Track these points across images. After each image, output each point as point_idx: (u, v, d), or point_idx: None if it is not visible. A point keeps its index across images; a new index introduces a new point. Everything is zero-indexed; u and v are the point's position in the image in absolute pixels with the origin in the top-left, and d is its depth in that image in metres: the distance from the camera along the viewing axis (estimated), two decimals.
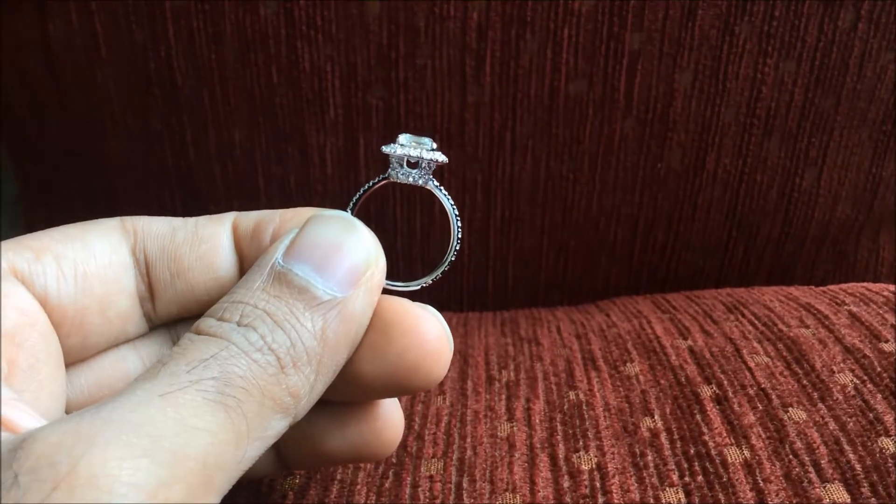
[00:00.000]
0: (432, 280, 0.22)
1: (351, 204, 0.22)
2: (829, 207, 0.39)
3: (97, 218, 0.21)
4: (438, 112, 0.36)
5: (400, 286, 0.22)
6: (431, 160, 0.21)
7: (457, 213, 0.22)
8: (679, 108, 0.36)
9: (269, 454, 0.22)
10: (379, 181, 0.22)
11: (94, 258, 0.20)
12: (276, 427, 0.17)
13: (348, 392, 0.20)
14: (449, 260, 0.22)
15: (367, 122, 0.36)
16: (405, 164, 0.21)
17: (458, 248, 0.22)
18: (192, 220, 0.21)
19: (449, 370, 0.29)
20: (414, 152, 0.21)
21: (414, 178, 0.21)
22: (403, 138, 0.21)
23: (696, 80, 0.36)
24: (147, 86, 0.36)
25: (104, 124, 0.38)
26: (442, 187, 0.22)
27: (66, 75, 0.37)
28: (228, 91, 0.36)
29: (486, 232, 0.39)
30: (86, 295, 0.20)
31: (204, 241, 0.21)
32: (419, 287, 0.22)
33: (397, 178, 0.21)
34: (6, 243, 0.19)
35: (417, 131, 0.37)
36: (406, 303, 0.20)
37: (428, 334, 0.19)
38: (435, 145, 0.21)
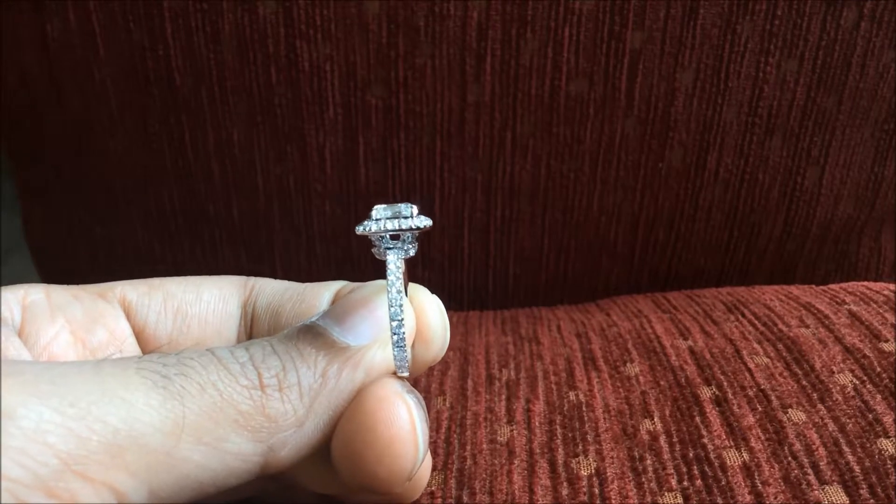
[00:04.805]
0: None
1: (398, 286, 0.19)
2: (830, 207, 0.39)
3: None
4: (438, 111, 0.36)
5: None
6: (414, 227, 0.19)
7: (400, 289, 0.18)
8: (680, 107, 0.36)
9: (312, 494, 0.21)
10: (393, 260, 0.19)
11: (199, 303, 0.21)
12: (239, 445, 0.16)
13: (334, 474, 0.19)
14: (403, 362, 0.19)
15: (367, 122, 0.36)
16: (387, 237, 0.19)
17: (402, 335, 0.18)
18: (304, 284, 0.22)
19: (449, 368, 0.29)
20: (392, 224, 0.18)
21: (393, 252, 0.19)
22: (380, 211, 0.19)
23: (697, 79, 0.35)
24: (145, 85, 0.36)
25: (102, 124, 0.38)
26: (401, 261, 0.19)
27: (64, 75, 0.37)
28: (227, 90, 0.36)
29: (486, 231, 0.39)
30: (181, 334, 0.21)
31: (305, 302, 0.21)
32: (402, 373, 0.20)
33: (380, 254, 0.19)
34: (132, 282, 0.21)
35: (417, 130, 0.37)
36: (386, 383, 0.18)
37: (382, 422, 0.18)
38: (415, 209, 0.19)
